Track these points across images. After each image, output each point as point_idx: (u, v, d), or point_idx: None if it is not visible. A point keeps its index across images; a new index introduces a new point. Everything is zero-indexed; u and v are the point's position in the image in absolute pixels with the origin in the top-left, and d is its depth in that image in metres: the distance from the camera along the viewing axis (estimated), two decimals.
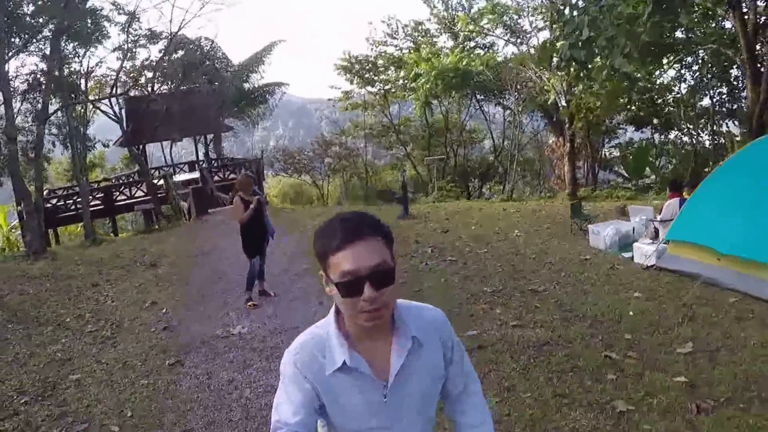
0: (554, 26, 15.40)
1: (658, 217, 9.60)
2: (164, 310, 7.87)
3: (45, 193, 20.75)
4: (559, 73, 18.69)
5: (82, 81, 21.92)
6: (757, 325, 5.75)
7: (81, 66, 21.43)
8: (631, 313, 6.37)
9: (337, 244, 1.47)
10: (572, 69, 11.07)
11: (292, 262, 10.23)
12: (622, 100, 20.35)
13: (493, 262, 9.15)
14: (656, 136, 25.85)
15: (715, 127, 23.23)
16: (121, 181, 27.08)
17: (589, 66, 10.65)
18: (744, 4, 14.54)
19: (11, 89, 15.15)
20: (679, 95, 23.61)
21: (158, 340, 6.67)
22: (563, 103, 20.67)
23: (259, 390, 5.06)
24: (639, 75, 17.12)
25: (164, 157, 32.03)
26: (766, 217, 6.86)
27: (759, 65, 14.84)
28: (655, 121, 24.59)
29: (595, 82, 12.75)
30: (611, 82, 13.52)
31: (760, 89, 14.20)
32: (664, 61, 21.16)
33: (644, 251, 8.61)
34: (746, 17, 14.47)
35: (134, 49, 23.74)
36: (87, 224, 17.44)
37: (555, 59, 14.51)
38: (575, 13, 9.61)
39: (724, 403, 4.29)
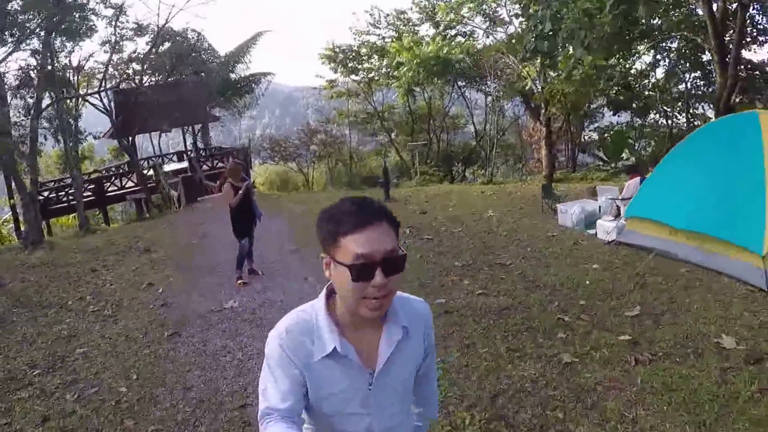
0: (521, 20, 15.96)
1: (620, 197, 10.24)
2: (160, 290, 8.41)
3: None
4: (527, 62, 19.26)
5: (72, 75, 22.12)
6: (703, 292, 6.31)
7: (69, 60, 21.65)
8: (587, 282, 6.96)
9: (350, 227, 1.45)
10: (538, 59, 11.65)
11: (278, 243, 10.80)
12: (597, 87, 20.87)
13: (466, 240, 9.76)
14: (635, 119, 26.45)
15: (690, 110, 23.93)
16: (111, 173, 27.35)
17: (553, 56, 11.20)
18: None
19: (5, 86, 15.52)
20: (655, 80, 24.29)
21: (157, 316, 7.22)
22: (538, 89, 21.21)
23: (250, 353, 5.64)
24: (606, 63, 17.67)
25: (153, 148, 32.29)
26: (716, 194, 7.31)
27: (727, 51, 15.42)
28: (635, 104, 25.18)
29: (561, 71, 13.32)
30: (578, 71, 14.10)
31: (727, 74, 14.83)
32: (641, 48, 21.83)
33: (606, 228, 9.23)
34: (714, 5, 15.04)
35: (121, 42, 23.97)
36: (81, 214, 17.87)
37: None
38: (539, 7, 10.16)
39: (662, 357, 4.83)
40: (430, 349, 1.83)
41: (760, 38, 20.59)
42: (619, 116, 26.64)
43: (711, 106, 23.09)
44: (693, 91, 23.62)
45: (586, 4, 9.36)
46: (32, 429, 4.57)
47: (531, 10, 10.15)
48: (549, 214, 11.45)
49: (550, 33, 9.57)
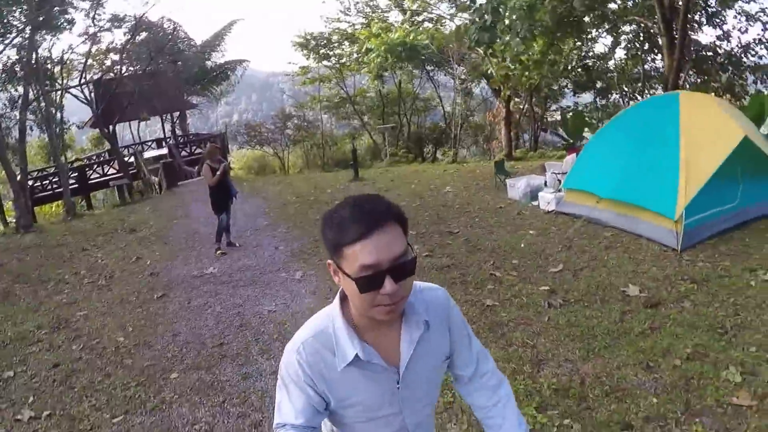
0: (463, 12, 16.70)
1: (560, 171, 11.20)
2: (148, 263, 9.29)
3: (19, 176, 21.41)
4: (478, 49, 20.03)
5: (54, 67, 22.55)
6: (620, 252, 7.13)
7: (50, 53, 22.08)
8: (522, 245, 7.85)
9: (353, 236, 1.35)
10: (481, 49, 12.50)
11: (254, 220, 11.73)
12: (541, 71, 21.68)
13: (422, 212, 10.70)
14: (598, 99, 27.25)
15: (649, 91, 24.81)
16: (93, 161, 27.86)
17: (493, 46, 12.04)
18: None
19: None
20: (615, 62, 25.15)
21: (146, 283, 8.11)
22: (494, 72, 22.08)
23: (227, 307, 6.61)
24: (550, 50, 18.58)
25: (131, 136, 32.75)
26: (638, 167, 8.02)
27: (673, 34, 16.33)
28: (598, 85, 25.88)
29: (505, 58, 14.21)
30: (524, 56, 15.01)
31: (674, 56, 15.78)
32: (597, 32, 22.74)
33: (546, 199, 10.12)
34: None
35: (99, 34, 24.31)
36: (68, 200, 18.46)
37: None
38: (482, 1, 11.05)
39: (573, 302, 5.68)
40: (462, 334, 1.72)
41: (715, 20, 21.13)
42: (578, 97, 27.38)
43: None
44: (651, 73, 24.48)
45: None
46: (45, 373, 5.43)
47: (477, 3, 11.01)
48: (501, 189, 12.35)
49: (491, 25, 10.46)
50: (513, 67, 17.58)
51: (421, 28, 27.62)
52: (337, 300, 1.56)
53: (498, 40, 11.51)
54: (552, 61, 20.26)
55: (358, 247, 1.34)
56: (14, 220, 17.10)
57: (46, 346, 6.19)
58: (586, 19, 18.44)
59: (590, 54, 25.56)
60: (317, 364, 1.52)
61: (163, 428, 4.14)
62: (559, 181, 10.92)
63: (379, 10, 30.45)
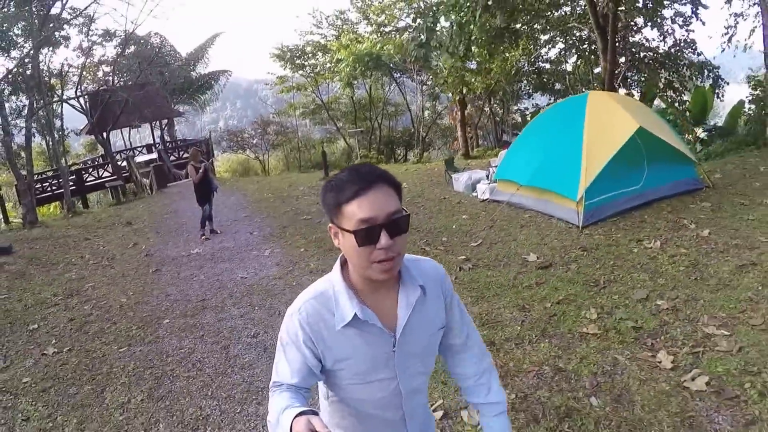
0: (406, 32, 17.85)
1: (496, 164, 12.50)
2: (144, 247, 10.54)
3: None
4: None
5: (52, 79, 23.54)
6: (532, 229, 8.10)
7: (48, 66, 23.08)
8: (453, 227, 9.02)
9: (351, 194, 1.41)
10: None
11: (234, 212, 13.02)
12: (471, 80, 22.76)
13: None
14: (558, 100, 27.84)
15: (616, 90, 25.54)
16: (88, 165, 28.86)
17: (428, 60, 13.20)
18: None
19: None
20: (571, 66, 25.89)
21: (143, 261, 9.38)
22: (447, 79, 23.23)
23: (209, 275, 7.94)
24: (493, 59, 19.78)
25: (122, 142, 33.71)
26: (550, 157, 8.80)
27: (607, 39, 17.45)
28: (558, 87, 26.47)
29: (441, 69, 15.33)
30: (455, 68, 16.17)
31: (607, 60, 16.98)
32: (547, 37, 23.87)
33: (482, 189, 11.24)
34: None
35: (92, 48, 25.39)
36: (68, 199, 19.54)
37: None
38: (421, 20, 12.36)
39: (480, 266, 6.82)
40: (454, 306, 1.75)
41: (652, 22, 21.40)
42: (533, 99, 28.28)
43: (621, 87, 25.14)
44: (602, 75, 25.16)
45: (459, 16, 11.52)
46: (63, 325, 6.65)
47: (416, 22, 12.33)
48: (450, 183, 13.62)
49: (426, 42, 11.77)
50: (452, 76, 18.73)
51: (387, 38, 28.39)
52: (337, 265, 1.59)
53: (433, 55, 12.86)
54: (500, 67, 21.44)
55: (355, 203, 1.40)
56: (20, 218, 18.13)
57: (62, 307, 7.39)
58: (524, 27, 19.42)
59: (544, 58, 26.55)
60: (317, 323, 1.53)
61: (158, 353, 5.44)
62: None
63: (350, 22, 31.27)
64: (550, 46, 25.60)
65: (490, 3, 11.52)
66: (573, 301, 5.33)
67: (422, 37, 11.80)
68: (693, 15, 17.71)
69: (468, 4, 11.35)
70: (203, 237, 10.41)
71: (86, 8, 21.16)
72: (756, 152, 11.90)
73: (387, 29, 29.91)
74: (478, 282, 6.25)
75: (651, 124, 8.53)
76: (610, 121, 8.32)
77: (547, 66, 26.84)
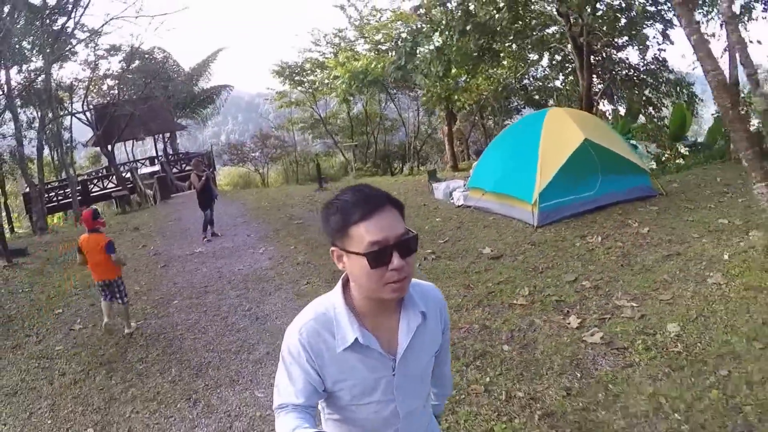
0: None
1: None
2: (152, 248, 11.75)
3: (27, 189, 23.34)
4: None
5: (61, 92, 24.86)
6: (493, 229, 9.13)
7: (55, 80, 24.35)
8: (427, 227, 10.15)
9: (359, 216, 1.42)
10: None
11: (233, 218, 14.24)
12: (451, 98, 23.48)
13: None
14: None
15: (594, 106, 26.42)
16: (92, 176, 30.12)
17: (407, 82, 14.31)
18: (570, 13, 17.61)
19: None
20: (560, 82, 26.68)
21: (151, 259, 10.59)
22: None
23: (211, 268, 9.17)
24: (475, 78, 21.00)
25: (126, 154, 35.06)
26: (512, 166, 9.94)
27: (583, 59, 18.60)
28: (551, 102, 26.86)
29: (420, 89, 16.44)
30: (435, 88, 17.44)
31: (584, 78, 18.16)
32: (535, 56, 25.02)
33: (457, 196, 12.26)
34: (573, 22, 17.94)
35: (97, 62, 26.67)
36: (76, 208, 20.77)
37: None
38: (402, 44, 13.70)
39: (443, 258, 7.87)
40: (446, 330, 1.80)
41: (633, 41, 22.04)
42: (521, 113, 29.25)
43: (605, 102, 25.19)
44: (591, 90, 26.01)
45: (437, 42, 12.84)
46: (85, 309, 7.80)
47: (399, 46, 13.66)
48: (431, 192, 14.78)
49: (405, 65, 13.07)
50: (432, 93, 19.79)
51: (383, 56, 29.31)
52: (338, 286, 1.59)
53: (410, 77, 14.13)
54: (485, 84, 22.54)
55: (363, 225, 1.41)
56: (25, 228, 19.36)
57: (82, 296, 8.55)
58: (505, 47, 20.61)
59: (532, 76, 27.65)
60: (317, 344, 1.54)
61: (169, 324, 6.66)
62: None
63: (347, 40, 32.35)
64: (538, 64, 26.75)
65: (468, 28, 12.84)
66: (511, 282, 6.48)
67: (402, 60, 13.10)
68: (662, 35, 18.87)
69: (447, 31, 12.65)
70: (205, 239, 11.62)
71: (101, 27, 22.39)
72: (720, 165, 12.76)
73: (384, 47, 30.68)
74: (437, 270, 7.38)
75: (600, 137, 9.52)
76: (562, 134, 9.37)
77: (537, 82, 27.93)
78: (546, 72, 27.43)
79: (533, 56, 25.26)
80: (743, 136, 6.50)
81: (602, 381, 4.17)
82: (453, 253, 8.17)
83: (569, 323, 5.21)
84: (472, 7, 12.69)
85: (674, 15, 16.60)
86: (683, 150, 16.84)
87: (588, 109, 18.33)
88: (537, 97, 27.79)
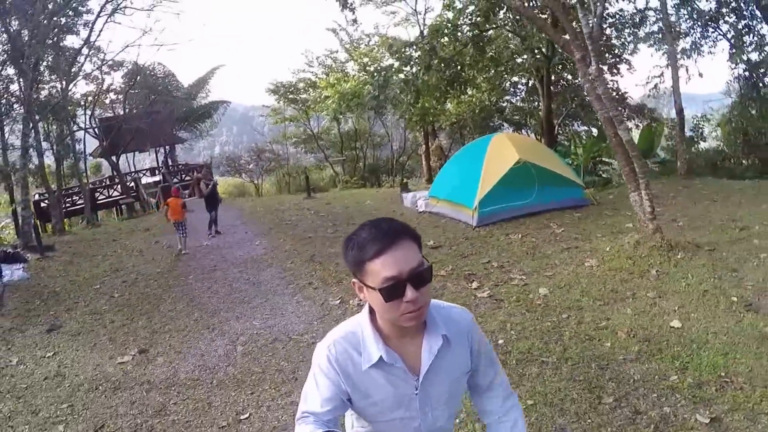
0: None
1: None
2: (164, 242, 14.09)
3: (37, 196, 25.47)
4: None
5: (72, 107, 27.15)
6: (444, 228, 11.34)
7: (68, 95, 26.59)
8: None
9: (374, 252, 1.47)
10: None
11: (233, 220, 16.65)
12: (427, 121, 25.73)
13: (341, 215, 15.57)
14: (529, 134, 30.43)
15: (567, 128, 28.74)
16: (97, 185, 32.28)
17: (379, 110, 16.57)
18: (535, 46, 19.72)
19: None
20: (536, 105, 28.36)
21: (166, 251, 12.95)
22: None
23: (216, 256, 11.56)
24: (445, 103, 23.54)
25: (127, 165, 37.25)
26: (461, 179, 12.29)
27: (545, 86, 21.11)
28: (533, 121, 29.34)
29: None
30: (410, 113, 19.86)
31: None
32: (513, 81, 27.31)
33: (420, 204, 14.46)
34: (537, 55, 20.28)
35: (101, 77, 28.90)
36: (88, 213, 23.03)
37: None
38: (376, 76, 16.17)
39: None
40: (482, 351, 1.82)
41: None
42: (501, 131, 31.42)
43: (578, 124, 28.37)
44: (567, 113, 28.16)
45: (405, 75, 15.28)
46: (119, 284, 10.06)
47: (374, 77, 16.13)
48: (401, 201, 17.06)
49: (378, 95, 15.53)
50: (405, 116, 22.06)
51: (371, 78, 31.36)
52: (365, 311, 1.68)
53: (383, 106, 16.52)
54: (457, 108, 24.92)
55: (379, 261, 1.46)
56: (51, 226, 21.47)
57: (112, 277, 10.83)
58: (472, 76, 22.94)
59: (509, 99, 30.16)
60: (345, 361, 1.64)
61: (189, 290, 9.02)
62: None
63: (339, 62, 34.18)
64: (515, 88, 29.37)
65: (433, 63, 15.31)
66: (441, 263, 8.77)
67: (376, 92, 15.60)
68: (614, 67, 21.44)
69: (415, 66, 15.13)
70: (210, 235, 14.02)
71: (119, 53, 24.61)
72: (664, 179, 14.95)
73: (371, 69, 31.82)
74: None
75: (535, 157, 11.78)
76: (501, 154, 11.70)
77: (513, 105, 30.32)
78: (522, 95, 29.80)
79: (508, 82, 27.71)
80: (622, 158, 8.79)
81: (476, 314, 6.49)
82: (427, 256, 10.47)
83: (471, 286, 7.54)
84: (436, 44, 15.16)
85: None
86: (652, 166, 18.79)
87: (549, 131, 20.75)
88: (517, 117, 30.23)
